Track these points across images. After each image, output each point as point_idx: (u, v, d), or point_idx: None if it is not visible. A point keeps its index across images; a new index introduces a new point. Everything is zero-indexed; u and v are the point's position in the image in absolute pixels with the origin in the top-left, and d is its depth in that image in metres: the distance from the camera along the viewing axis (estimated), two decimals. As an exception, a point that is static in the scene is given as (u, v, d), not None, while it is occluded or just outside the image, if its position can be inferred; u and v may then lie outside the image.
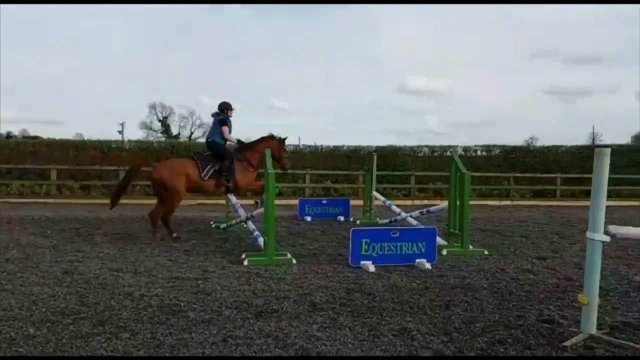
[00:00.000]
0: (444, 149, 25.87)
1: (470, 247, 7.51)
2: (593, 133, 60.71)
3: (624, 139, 56.44)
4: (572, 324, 4.02)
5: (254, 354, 3.38)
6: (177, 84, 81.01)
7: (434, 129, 78.46)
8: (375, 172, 11.81)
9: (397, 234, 6.47)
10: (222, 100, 8.79)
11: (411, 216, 9.37)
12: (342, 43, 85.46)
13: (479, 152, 26.27)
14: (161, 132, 59.17)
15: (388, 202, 10.67)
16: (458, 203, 7.59)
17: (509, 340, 3.67)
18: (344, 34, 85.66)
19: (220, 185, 8.35)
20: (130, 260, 6.41)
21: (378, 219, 10.92)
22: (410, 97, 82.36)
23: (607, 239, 3.59)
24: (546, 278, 5.79)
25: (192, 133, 60.24)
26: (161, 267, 6.06)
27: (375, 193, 11.35)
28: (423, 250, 6.47)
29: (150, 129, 59.33)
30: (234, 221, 8.99)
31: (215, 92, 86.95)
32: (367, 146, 24.50)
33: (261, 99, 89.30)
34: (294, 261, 6.37)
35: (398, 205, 10.99)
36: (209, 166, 8.29)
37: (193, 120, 61.02)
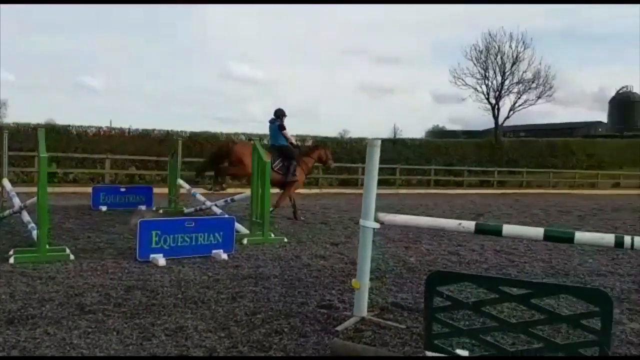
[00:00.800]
0: (261, 137, 26.19)
1: (272, 235, 7.54)
2: (395, 128, 67.60)
3: (420, 134, 63.95)
4: (348, 307, 4.17)
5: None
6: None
7: (256, 116, 79.39)
8: (180, 159, 11.30)
9: (193, 224, 6.16)
10: (277, 108, 9.96)
11: (216, 205, 9.12)
12: (162, 22, 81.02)
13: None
14: None
15: (193, 191, 10.27)
16: (261, 191, 7.57)
17: (286, 329, 3.64)
18: (165, 14, 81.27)
19: (287, 180, 9.74)
20: None
21: (184, 208, 10.45)
22: (234, 83, 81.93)
23: (377, 225, 3.77)
24: (335, 263, 6.05)
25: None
26: None
27: (180, 181, 10.84)
28: (220, 240, 6.27)
29: None
30: (7, 212, 7.74)
31: (9, 65, 75.63)
32: (181, 131, 23.57)
33: (66, 75, 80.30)
34: (72, 257, 5.64)
35: (203, 194, 10.66)
36: (278, 160, 9.59)
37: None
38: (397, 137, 50.18)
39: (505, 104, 39.04)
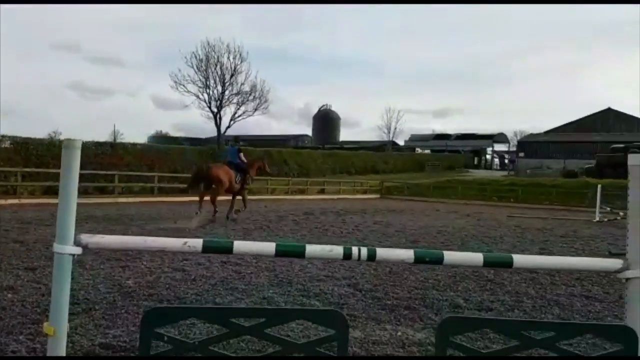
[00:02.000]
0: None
1: None
2: (114, 131, 63.49)
3: (143, 139, 61.56)
4: (38, 355, 3.19)
5: None
6: None
7: None
8: None
9: None
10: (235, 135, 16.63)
11: None
12: None
13: (-16, 143, 22.64)
14: None
15: None
16: None
17: None
18: None
19: (243, 187, 14.12)
20: None
21: None
22: None
23: (77, 251, 2.93)
24: (28, 295, 4.79)
25: None
26: None
27: None
28: None
29: None
30: None
31: None
32: None
33: None
34: None
35: None
36: (238, 175, 13.68)
37: None
38: (118, 140, 46.98)
39: (227, 113, 40.43)
